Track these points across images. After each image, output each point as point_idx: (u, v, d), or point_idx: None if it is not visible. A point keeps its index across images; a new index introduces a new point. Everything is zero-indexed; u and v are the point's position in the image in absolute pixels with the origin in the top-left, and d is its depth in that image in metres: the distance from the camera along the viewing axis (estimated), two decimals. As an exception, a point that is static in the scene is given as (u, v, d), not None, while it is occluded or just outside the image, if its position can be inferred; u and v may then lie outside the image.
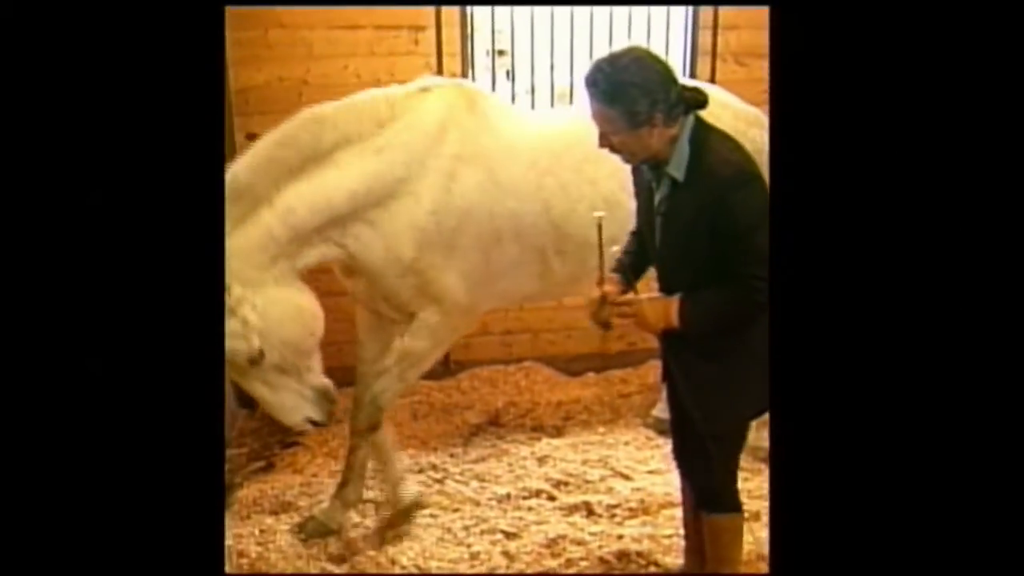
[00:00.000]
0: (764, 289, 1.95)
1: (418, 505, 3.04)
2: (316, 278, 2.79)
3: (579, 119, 2.74)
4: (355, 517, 3.05)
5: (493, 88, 4.22)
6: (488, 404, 3.94)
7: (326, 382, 2.66)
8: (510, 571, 2.76)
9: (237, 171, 2.50)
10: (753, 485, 3.14)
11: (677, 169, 2.10)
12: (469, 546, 2.90)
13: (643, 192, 2.26)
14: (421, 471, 3.39)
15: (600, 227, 2.19)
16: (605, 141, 2.12)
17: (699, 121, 2.13)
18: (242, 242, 2.45)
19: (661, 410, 3.78)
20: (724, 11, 4.06)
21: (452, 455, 3.53)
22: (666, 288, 2.21)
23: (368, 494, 3.14)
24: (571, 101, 4.20)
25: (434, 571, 2.76)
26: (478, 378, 4.12)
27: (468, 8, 3.91)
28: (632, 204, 2.35)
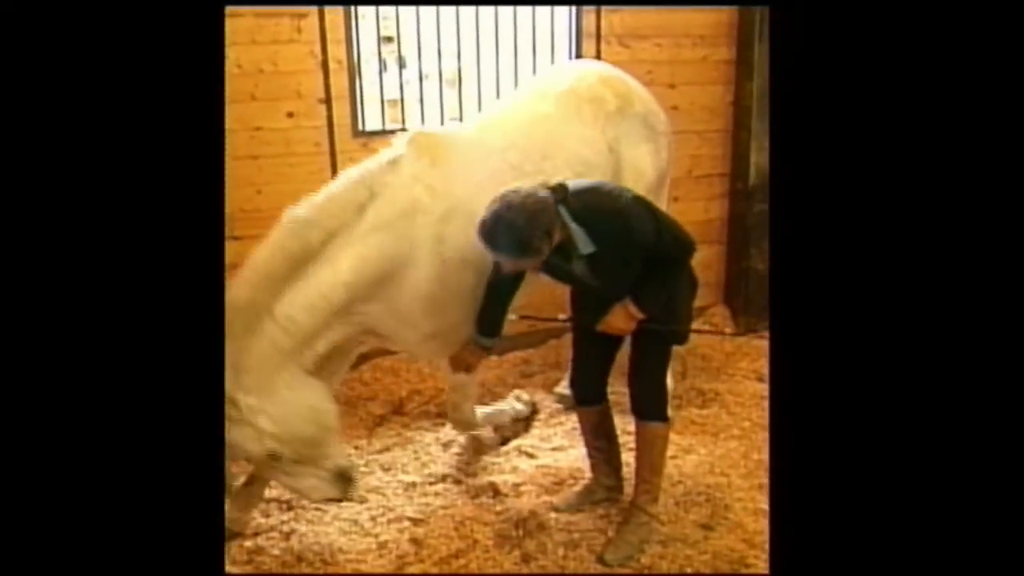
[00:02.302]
0: (683, 247, 2.53)
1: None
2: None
3: (521, 117, 3.13)
4: (258, 517, 2.98)
5: (382, 75, 4.17)
6: (391, 394, 3.92)
7: (344, 464, 2.78)
8: (419, 558, 2.76)
9: (235, 291, 2.53)
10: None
11: (585, 246, 2.46)
12: (376, 536, 2.89)
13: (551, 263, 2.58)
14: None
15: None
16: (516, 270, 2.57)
17: (565, 198, 2.43)
18: (249, 357, 2.53)
19: (564, 387, 3.85)
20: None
21: (357, 447, 3.49)
22: (615, 297, 2.60)
23: (271, 492, 3.08)
24: (460, 86, 4.20)
25: (340, 561, 2.74)
26: (380, 368, 4.08)
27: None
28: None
